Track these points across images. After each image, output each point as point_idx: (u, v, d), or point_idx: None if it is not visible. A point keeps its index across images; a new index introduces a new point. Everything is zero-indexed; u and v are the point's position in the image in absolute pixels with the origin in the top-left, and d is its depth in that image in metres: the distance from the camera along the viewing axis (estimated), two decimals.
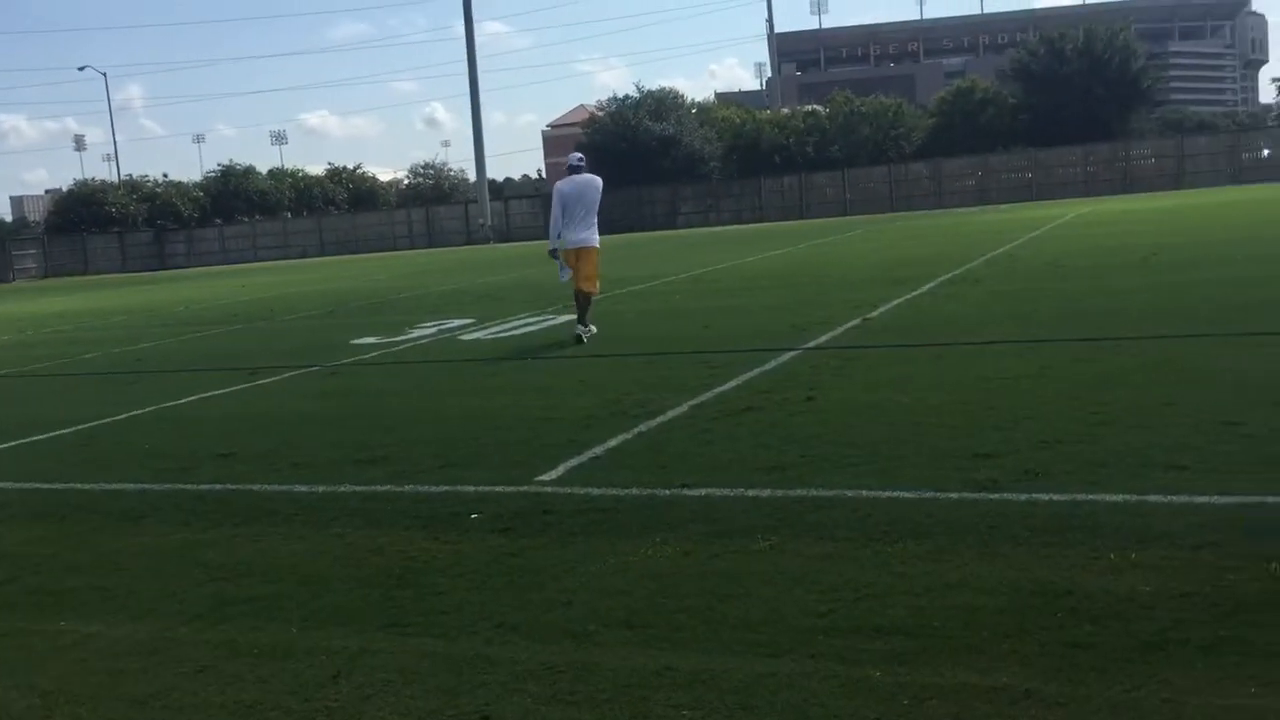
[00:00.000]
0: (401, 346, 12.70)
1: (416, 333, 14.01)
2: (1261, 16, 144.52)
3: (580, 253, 11.72)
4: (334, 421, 8.12)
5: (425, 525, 5.14)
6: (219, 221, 70.43)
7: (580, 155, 12.43)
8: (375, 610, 4.12)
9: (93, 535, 5.48)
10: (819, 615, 3.77)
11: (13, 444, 8.18)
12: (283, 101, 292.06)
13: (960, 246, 21.67)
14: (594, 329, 11.69)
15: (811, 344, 9.92)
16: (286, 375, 10.85)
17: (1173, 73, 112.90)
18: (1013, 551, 4.18)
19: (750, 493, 5.25)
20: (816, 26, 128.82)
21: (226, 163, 73.94)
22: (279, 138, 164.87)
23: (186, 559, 4.94)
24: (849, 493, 5.09)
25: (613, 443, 6.52)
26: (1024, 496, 4.80)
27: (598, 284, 12.02)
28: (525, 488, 5.69)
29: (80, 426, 8.65)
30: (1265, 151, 49.52)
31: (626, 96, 63.66)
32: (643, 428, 6.84)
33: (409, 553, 4.74)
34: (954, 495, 4.91)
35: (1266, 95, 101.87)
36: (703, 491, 5.33)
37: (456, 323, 14.86)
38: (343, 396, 9.33)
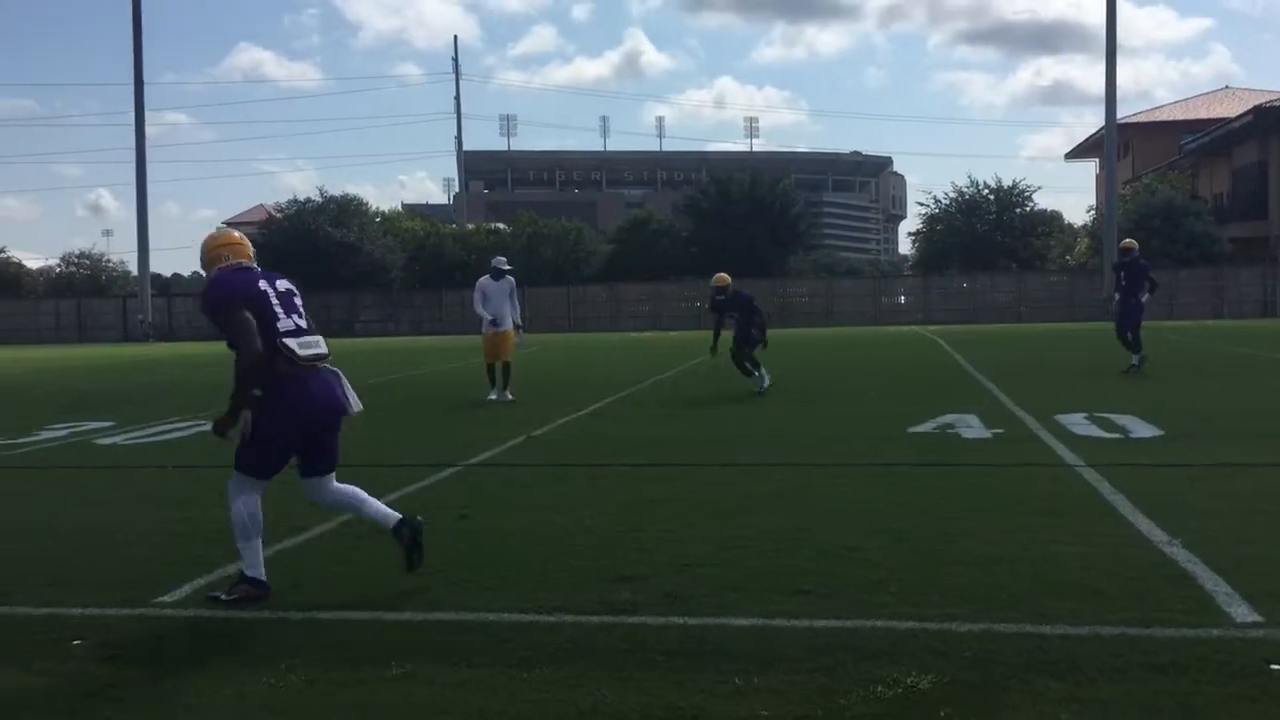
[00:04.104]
0: (23, 449, 11.53)
1: (44, 434, 12.78)
2: (902, 176, 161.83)
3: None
4: None
5: (19, 654, 4.58)
6: None
7: (501, 258, 16.19)
8: None
9: None
10: None
11: None
12: None
13: (629, 369, 22.40)
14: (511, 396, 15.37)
15: (474, 460, 9.83)
16: None
17: (826, 220, 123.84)
18: (645, 676, 4.20)
19: (389, 616, 5.04)
20: (505, 148, 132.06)
21: None
22: None
23: None
24: (491, 616, 4.98)
25: None
26: (661, 620, 4.87)
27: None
28: (141, 610, 5.21)
29: None
30: (901, 298, 54.97)
31: (308, 199, 62.45)
32: (284, 545, 6.47)
33: None
34: (595, 619, 4.91)
35: (904, 247, 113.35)
36: (338, 614, 5.07)
37: (93, 425, 13.69)
38: None
